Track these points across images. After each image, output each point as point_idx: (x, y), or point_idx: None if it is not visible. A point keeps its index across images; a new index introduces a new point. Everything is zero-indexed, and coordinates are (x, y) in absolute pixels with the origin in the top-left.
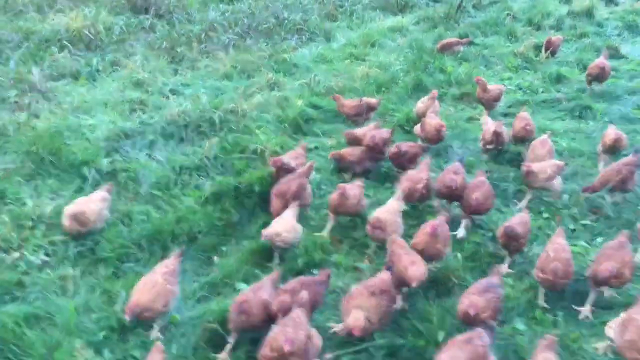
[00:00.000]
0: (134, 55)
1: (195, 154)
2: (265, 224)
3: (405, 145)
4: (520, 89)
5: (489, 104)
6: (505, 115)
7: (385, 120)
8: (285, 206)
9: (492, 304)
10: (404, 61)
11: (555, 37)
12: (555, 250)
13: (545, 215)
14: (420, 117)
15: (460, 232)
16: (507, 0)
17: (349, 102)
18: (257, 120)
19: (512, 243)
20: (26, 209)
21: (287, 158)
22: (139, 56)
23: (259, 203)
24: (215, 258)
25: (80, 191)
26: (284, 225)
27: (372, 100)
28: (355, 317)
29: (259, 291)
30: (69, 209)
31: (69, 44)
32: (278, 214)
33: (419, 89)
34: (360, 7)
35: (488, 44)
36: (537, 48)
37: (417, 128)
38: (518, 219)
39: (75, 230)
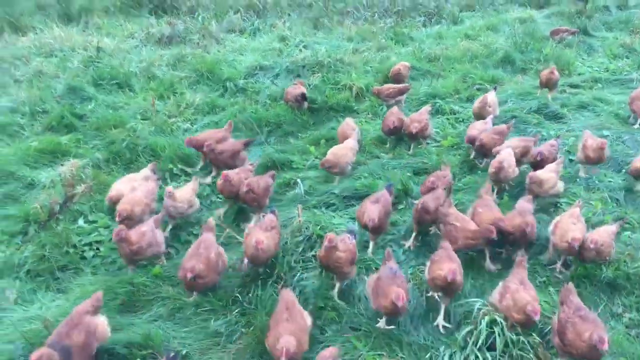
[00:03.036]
0: (287, 21)
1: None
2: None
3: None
4: (607, 70)
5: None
6: (571, 85)
7: (464, 81)
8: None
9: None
10: (508, 42)
11: None
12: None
13: None
14: (475, 116)
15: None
16: None
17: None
18: (358, 69)
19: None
20: (184, 98)
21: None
22: (289, 22)
23: (332, 114)
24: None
25: (222, 96)
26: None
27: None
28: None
29: (143, 226)
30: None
31: (242, 10)
32: None
33: (505, 62)
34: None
35: (604, 36)
36: None
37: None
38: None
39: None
